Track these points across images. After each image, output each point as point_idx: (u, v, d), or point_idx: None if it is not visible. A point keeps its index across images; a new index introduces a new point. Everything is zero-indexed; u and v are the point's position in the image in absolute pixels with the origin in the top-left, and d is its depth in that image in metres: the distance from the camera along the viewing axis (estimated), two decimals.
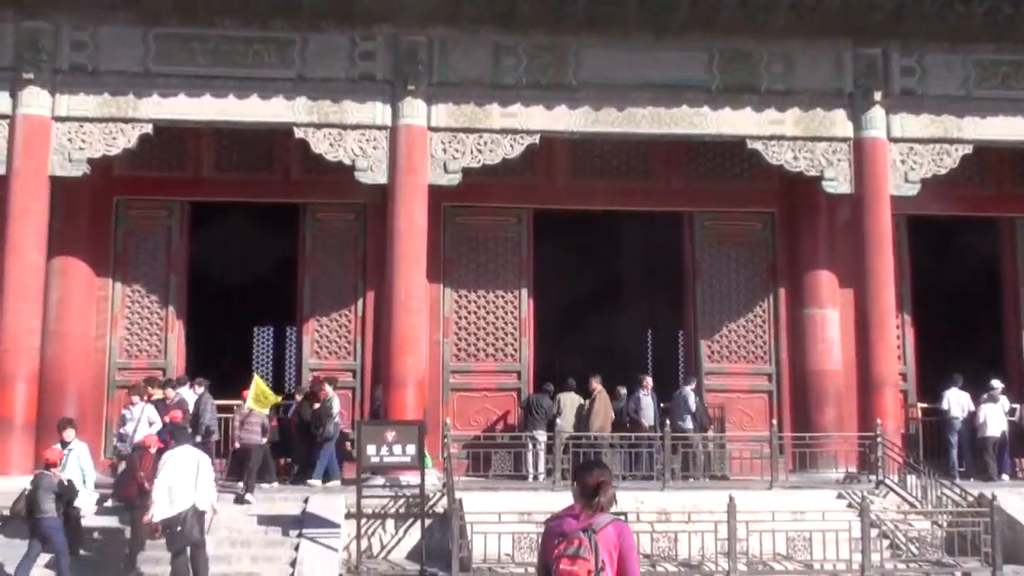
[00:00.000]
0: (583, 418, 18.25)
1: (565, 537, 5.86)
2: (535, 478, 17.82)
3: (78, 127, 17.07)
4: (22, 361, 16.62)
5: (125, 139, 17.14)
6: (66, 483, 13.40)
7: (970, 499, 15.61)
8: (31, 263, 16.85)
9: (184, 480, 12.39)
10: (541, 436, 17.97)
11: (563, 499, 15.04)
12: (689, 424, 18.28)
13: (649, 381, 19.29)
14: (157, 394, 16.49)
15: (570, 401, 18.55)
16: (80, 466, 13.89)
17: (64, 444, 13.94)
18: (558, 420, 17.78)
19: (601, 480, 5.96)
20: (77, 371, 18.37)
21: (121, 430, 15.44)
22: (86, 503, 13.82)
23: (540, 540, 6.08)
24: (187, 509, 12.28)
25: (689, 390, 18.69)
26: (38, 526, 13.00)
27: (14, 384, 16.50)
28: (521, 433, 18.28)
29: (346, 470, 17.60)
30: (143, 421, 15.36)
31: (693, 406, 18.46)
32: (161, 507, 12.32)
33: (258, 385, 17.18)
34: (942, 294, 22.08)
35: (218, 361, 23.95)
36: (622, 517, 6.13)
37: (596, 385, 18.53)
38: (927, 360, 20.83)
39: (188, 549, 12.39)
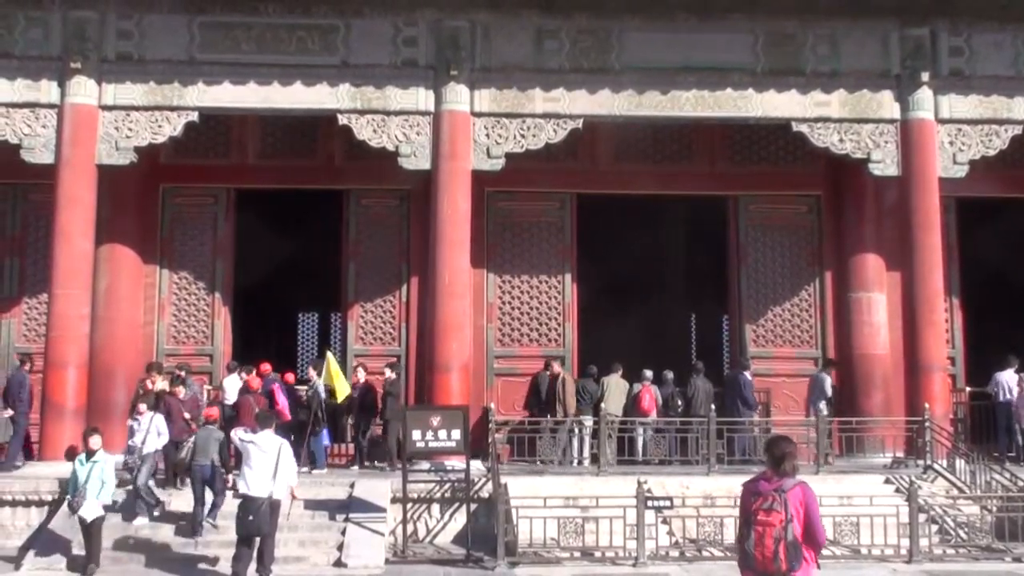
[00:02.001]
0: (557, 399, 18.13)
1: (760, 495, 7.48)
2: (579, 463, 17.80)
3: (124, 116, 17.24)
4: (72, 347, 16.86)
5: (171, 127, 17.29)
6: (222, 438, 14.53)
7: (1020, 483, 15.44)
8: (80, 250, 17.06)
9: (264, 468, 12.43)
10: (588, 421, 17.90)
11: (608, 484, 15.18)
12: (825, 410, 18.10)
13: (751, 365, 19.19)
14: (159, 382, 16.47)
15: (615, 385, 18.47)
16: (102, 478, 13.36)
17: (89, 454, 13.42)
18: (603, 404, 17.71)
19: (787, 451, 7.54)
20: (126, 357, 18.58)
21: (130, 441, 14.96)
22: (90, 511, 13.24)
23: (740, 498, 7.75)
24: (263, 498, 12.33)
25: (825, 375, 18.52)
26: (202, 472, 14.09)
27: (65, 370, 16.74)
28: (565, 418, 18.19)
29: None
30: (152, 432, 14.86)
31: (829, 391, 18.30)
32: (243, 485, 12.49)
33: (331, 364, 17.56)
34: (991, 276, 21.79)
35: (264, 347, 24.12)
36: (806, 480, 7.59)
37: (557, 368, 18.21)
38: (976, 343, 20.58)
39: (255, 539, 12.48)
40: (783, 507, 7.35)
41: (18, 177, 18.55)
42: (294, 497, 13.38)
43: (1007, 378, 18.82)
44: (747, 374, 18.63)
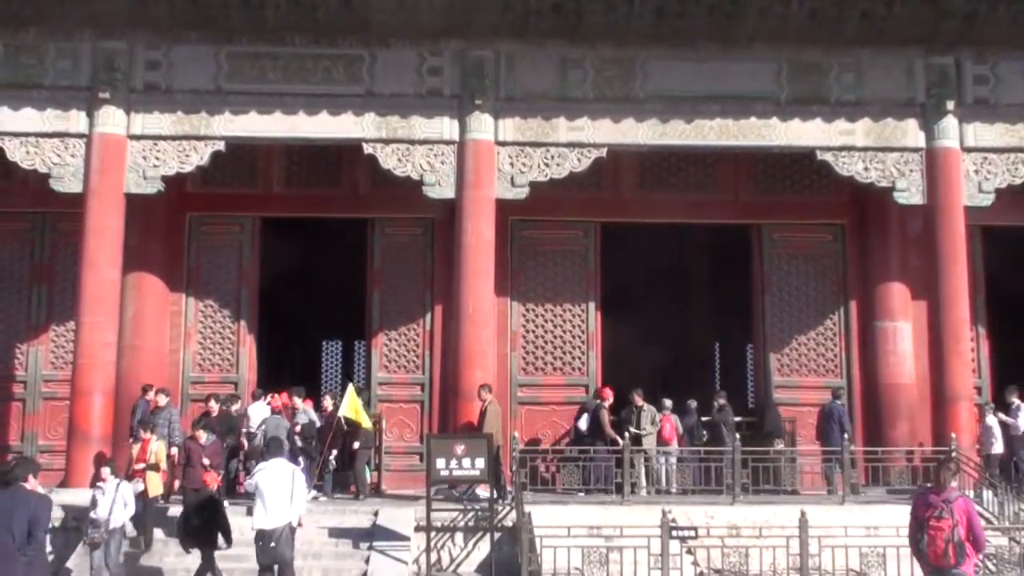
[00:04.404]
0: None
1: (931, 505, 9.77)
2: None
3: (152, 145, 17.41)
4: (98, 375, 16.97)
5: (198, 156, 17.45)
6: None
7: None
8: (107, 279, 17.20)
9: (280, 494, 12.30)
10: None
11: (632, 514, 15.10)
12: (996, 449, 18.05)
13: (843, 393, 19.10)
14: (153, 440, 15.40)
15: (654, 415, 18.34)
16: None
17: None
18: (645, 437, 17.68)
19: (952, 471, 10.05)
20: (152, 384, 18.61)
21: (93, 514, 13.56)
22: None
23: (911, 507, 10.21)
24: (283, 526, 12.22)
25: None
26: None
27: (91, 398, 16.86)
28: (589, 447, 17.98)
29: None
30: (118, 501, 13.65)
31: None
32: (259, 517, 12.32)
33: (352, 397, 17.31)
34: (1018, 305, 21.63)
35: (289, 375, 24.20)
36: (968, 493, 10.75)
37: (487, 396, 17.50)
38: (1003, 373, 20.40)
39: (276, 567, 12.34)
40: (951, 515, 9.63)
41: (47, 206, 18.77)
42: (300, 524, 13.27)
43: None
44: (839, 402, 18.55)
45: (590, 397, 18.92)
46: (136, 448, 15.41)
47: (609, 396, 18.11)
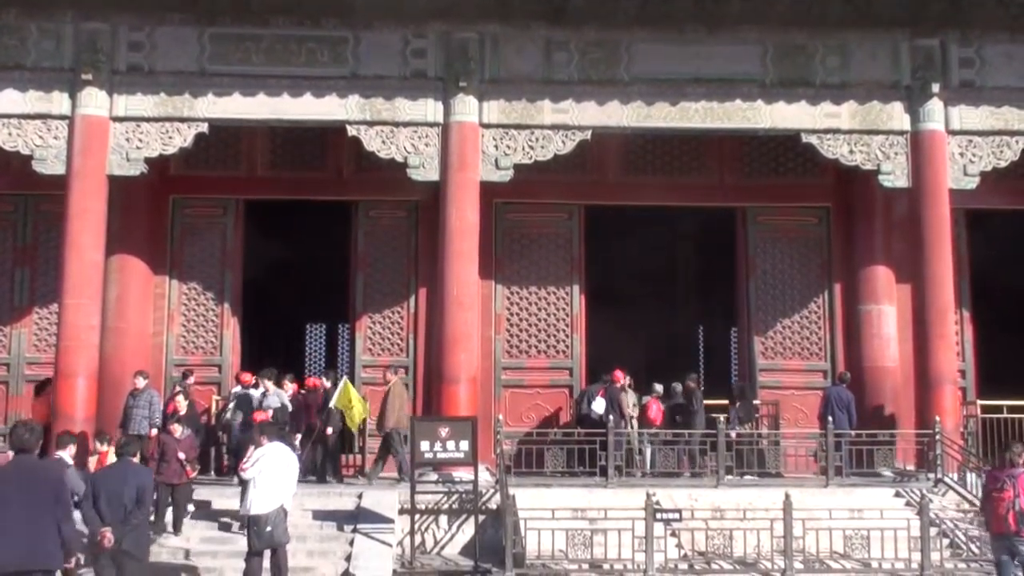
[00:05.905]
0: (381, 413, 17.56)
1: (996, 479, 11.33)
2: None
3: (135, 127, 17.28)
4: (82, 357, 16.86)
5: (181, 138, 17.33)
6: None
7: None
8: (90, 261, 17.09)
9: (275, 478, 12.25)
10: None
11: (616, 496, 15.13)
12: None
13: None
14: (111, 454, 14.23)
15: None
16: None
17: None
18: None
19: (1015, 452, 11.29)
20: (135, 367, 18.41)
21: None
22: None
23: (983, 482, 12.20)
24: (275, 509, 12.15)
25: None
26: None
27: (75, 380, 16.73)
28: (573, 430, 18.04)
29: None
30: None
31: None
32: (252, 502, 12.21)
33: (348, 388, 17.33)
34: (1002, 288, 21.70)
35: (273, 358, 24.11)
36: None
37: (391, 377, 17.74)
38: (987, 357, 20.48)
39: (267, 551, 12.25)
40: (1012, 487, 10.92)
41: (29, 188, 18.65)
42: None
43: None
44: (844, 386, 18.50)
45: (575, 380, 18.92)
46: (93, 461, 14.73)
47: (621, 379, 18.22)
